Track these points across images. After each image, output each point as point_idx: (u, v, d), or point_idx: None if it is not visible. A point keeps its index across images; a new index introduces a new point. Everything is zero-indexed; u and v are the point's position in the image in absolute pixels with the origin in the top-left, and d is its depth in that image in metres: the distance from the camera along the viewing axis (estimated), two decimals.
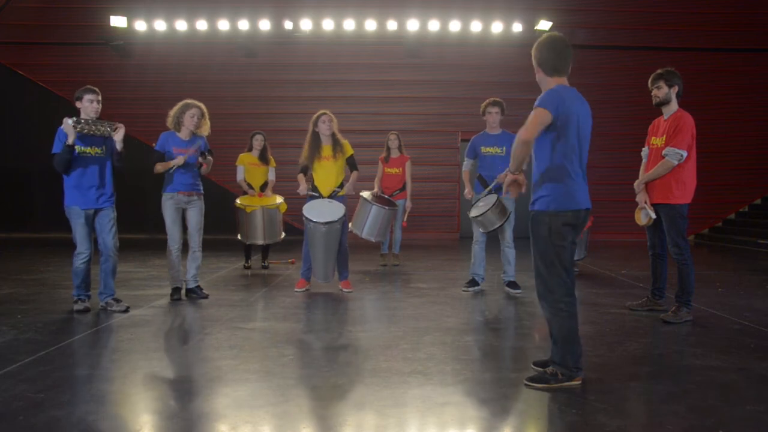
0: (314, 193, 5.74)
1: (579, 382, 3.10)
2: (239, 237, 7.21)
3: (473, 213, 5.66)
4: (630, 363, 3.56)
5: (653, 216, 4.65)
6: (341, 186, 5.80)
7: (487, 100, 5.84)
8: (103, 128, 4.68)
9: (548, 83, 3.19)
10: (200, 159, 5.31)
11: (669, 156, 4.49)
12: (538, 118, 3.06)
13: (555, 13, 12.07)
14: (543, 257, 3.12)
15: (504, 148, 5.72)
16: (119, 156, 4.85)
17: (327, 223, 5.42)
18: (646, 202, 4.70)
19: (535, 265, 3.18)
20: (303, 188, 5.68)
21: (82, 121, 4.61)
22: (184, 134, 5.32)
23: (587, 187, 3.27)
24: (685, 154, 4.48)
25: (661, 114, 4.76)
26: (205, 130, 5.42)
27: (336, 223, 5.47)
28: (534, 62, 3.21)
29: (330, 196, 5.72)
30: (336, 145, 5.71)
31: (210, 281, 6.33)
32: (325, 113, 5.72)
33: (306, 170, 5.81)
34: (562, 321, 3.09)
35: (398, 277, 6.99)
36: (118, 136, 4.76)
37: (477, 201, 5.78)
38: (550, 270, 3.10)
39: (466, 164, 5.97)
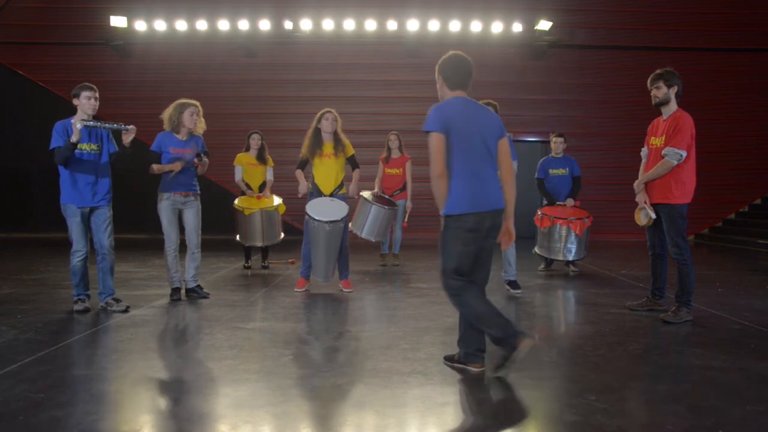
0: (313, 192, 5.73)
1: (476, 368, 3.26)
2: (238, 238, 7.21)
3: None
4: (630, 363, 3.56)
5: (653, 216, 4.65)
6: (342, 185, 5.79)
7: (480, 101, 5.83)
8: (113, 126, 4.70)
9: (447, 96, 3.39)
10: (196, 160, 5.30)
11: (668, 156, 4.49)
12: (436, 145, 3.18)
13: (555, 13, 12.07)
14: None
15: None
16: (122, 150, 4.84)
17: (331, 222, 5.42)
18: (645, 202, 4.70)
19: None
20: (303, 187, 5.68)
21: (92, 121, 4.64)
22: (182, 134, 5.31)
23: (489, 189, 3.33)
24: (684, 154, 4.48)
25: (660, 114, 4.77)
26: (200, 128, 5.41)
27: (340, 222, 5.47)
28: (438, 77, 3.45)
29: (331, 194, 5.72)
30: (338, 144, 5.70)
31: (210, 281, 6.33)
32: (330, 111, 5.72)
33: (304, 165, 5.80)
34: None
35: (398, 277, 6.99)
36: (127, 139, 4.76)
37: None
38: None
39: None
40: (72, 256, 4.79)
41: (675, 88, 4.61)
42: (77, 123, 4.57)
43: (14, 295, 5.59)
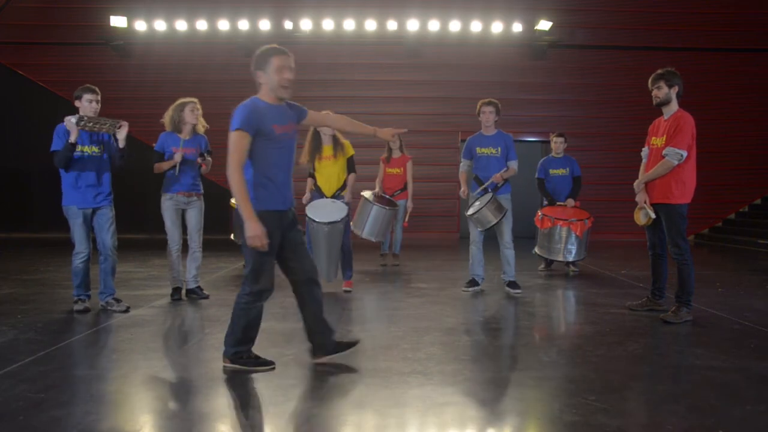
0: (316, 194, 5.76)
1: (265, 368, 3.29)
2: (232, 237, 7.21)
3: (469, 211, 5.69)
4: (630, 363, 3.56)
5: (653, 216, 4.65)
6: (344, 186, 5.81)
7: (482, 100, 5.84)
8: (106, 125, 4.68)
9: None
10: (199, 159, 5.31)
11: (669, 156, 4.49)
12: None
13: (555, 13, 12.07)
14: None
15: (499, 149, 5.72)
16: (121, 153, 4.84)
17: (329, 223, 5.44)
18: (645, 202, 4.70)
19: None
20: (306, 197, 5.76)
21: (85, 118, 4.61)
22: (185, 133, 5.30)
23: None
24: (685, 154, 4.48)
25: (661, 114, 4.77)
26: (201, 126, 5.41)
27: (339, 223, 5.48)
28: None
29: (333, 196, 5.74)
30: (337, 145, 5.72)
31: (210, 281, 6.32)
32: (326, 113, 5.72)
33: (312, 174, 5.85)
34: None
35: (398, 277, 6.99)
36: (122, 134, 4.75)
37: (473, 200, 5.80)
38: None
39: (463, 165, 5.97)
40: (74, 257, 4.79)
41: (676, 88, 4.61)
42: (72, 120, 4.54)
43: (14, 295, 5.59)
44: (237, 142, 3.10)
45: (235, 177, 3.06)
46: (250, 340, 3.35)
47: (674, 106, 4.64)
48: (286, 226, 3.31)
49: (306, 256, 3.46)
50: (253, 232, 3.05)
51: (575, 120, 12.21)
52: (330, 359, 3.58)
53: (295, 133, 3.37)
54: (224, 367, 3.30)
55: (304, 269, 3.43)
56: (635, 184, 4.81)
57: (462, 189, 5.88)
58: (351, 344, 3.56)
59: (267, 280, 3.27)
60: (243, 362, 3.28)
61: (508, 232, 5.72)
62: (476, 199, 5.78)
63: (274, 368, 3.29)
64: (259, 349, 3.81)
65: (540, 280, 6.69)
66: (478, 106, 5.84)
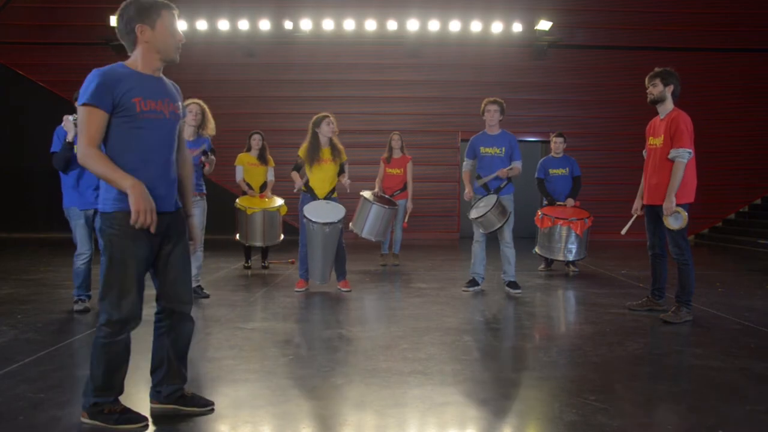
0: (308, 195, 5.74)
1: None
2: (237, 237, 7.22)
3: (473, 214, 5.67)
4: (630, 363, 3.56)
5: (684, 213, 4.53)
6: (335, 188, 5.82)
7: (487, 99, 5.83)
8: None
9: None
10: (203, 158, 5.31)
11: (679, 157, 4.47)
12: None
13: (555, 13, 12.07)
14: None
15: (503, 149, 5.72)
16: None
17: (328, 223, 5.44)
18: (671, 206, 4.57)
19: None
20: (298, 183, 5.71)
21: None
22: (188, 134, 5.29)
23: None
24: (691, 151, 4.49)
25: (657, 114, 4.77)
26: (210, 129, 5.40)
27: (337, 223, 5.49)
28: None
29: (326, 198, 5.74)
30: (334, 149, 5.73)
31: (210, 281, 6.32)
32: (328, 116, 5.73)
33: (300, 168, 5.82)
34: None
35: (398, 277, 6.99)
36: None
37: (477, 201, 5.79)
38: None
39: (466, 164, 5.96)
40: (76, 258, 4.80)
41: (671, 87, 4.62)
42: (70, 119, 4.54)
43: (14, 295, 5.59)
44: (86, 119, 2.36)
45: (90, 152, 2.38)
46: (113, 388, 2.59)
47: (669, 105, 4.65)
48: (164, 234, 2.59)
49: (186, 281, 2.71)
50: (136, 199, 2.39)
51: (575, 120, 12.21)
52: (329, 360, 3.58)
53: (177, 116, 2.60)
54: (81, 421, 2.55)
55: (178, 296, 2.70)
56: (665, 205, 4.50)
57: (466, 191, 5.86)
58: (207, 404, 2.75)
59: (132, 305, 2.54)
60: (104, 418, 2.52)
61: (509, 232, 5.72)
62: (479, 200, 5.77)
63: (146, 426, 2.54)
64: (259, 348, 3.82)
65: (540, 280, 6.69)
66: (482, 105, 5.82)
